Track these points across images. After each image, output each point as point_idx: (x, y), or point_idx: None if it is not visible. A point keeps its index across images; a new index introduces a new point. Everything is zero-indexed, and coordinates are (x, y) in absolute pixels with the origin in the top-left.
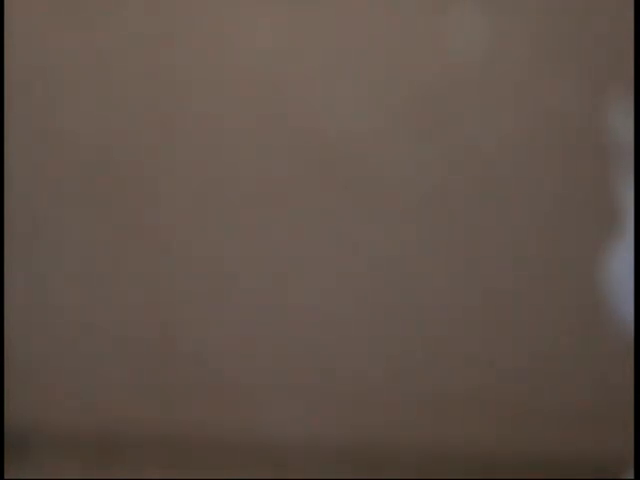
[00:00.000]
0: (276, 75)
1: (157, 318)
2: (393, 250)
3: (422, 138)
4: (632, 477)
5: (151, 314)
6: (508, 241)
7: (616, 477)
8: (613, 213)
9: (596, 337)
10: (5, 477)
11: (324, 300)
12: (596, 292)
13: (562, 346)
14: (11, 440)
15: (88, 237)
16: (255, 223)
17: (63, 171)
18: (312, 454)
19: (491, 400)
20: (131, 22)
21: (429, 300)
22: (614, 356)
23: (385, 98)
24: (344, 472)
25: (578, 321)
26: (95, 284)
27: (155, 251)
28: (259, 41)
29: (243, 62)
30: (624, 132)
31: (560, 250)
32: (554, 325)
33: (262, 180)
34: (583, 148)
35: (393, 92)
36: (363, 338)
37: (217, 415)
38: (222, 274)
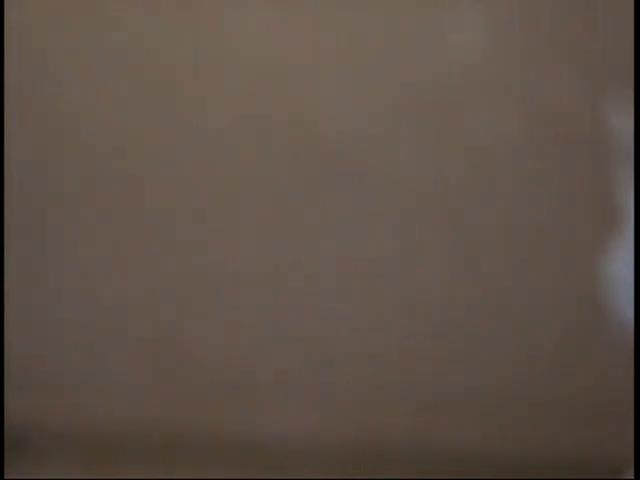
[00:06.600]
0: (276, 75)
1: (157, 318)
2: (393, 250)
3: (422, 138)
4: (632, 477)
5: (151, 314)
6: (508, 241)
7: (616, 477)
8: (613, 213)
9: (596, 337)
10: (5, 477)
11: (324, 300)
12: (596, 292)
13: (562, 346)
14: (11, 440)
15: (88, 237)
16: (255, 223)
17: (63, 171)
18: (312, 454)
19: (491, 400)
20: (131, 22)
21: (429, 300)
22: (614, 356)
23: (386, 98)
24: (344, 472)
25: (578, 321)
26: (95, 284)
27: (155, 251)
28: (260, 42)
29: (244, 63)
30: (624, 132)
31: (560, 250)
32: (554, 325)
33: (262, 180)
34: (583, 148)
35: (394, 92)
36: (363, 338)
37: (217, 415)
38: (222, 274)
